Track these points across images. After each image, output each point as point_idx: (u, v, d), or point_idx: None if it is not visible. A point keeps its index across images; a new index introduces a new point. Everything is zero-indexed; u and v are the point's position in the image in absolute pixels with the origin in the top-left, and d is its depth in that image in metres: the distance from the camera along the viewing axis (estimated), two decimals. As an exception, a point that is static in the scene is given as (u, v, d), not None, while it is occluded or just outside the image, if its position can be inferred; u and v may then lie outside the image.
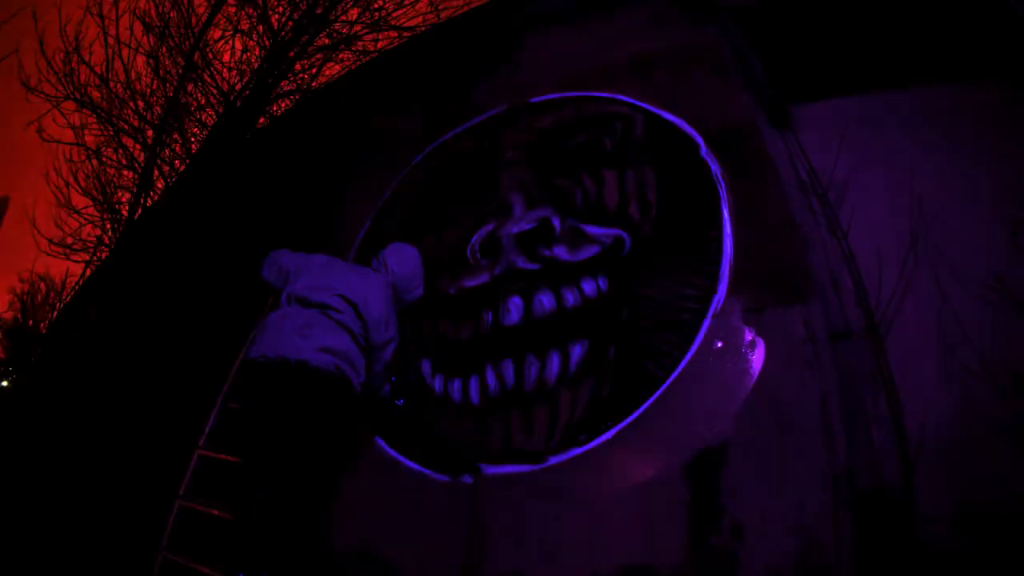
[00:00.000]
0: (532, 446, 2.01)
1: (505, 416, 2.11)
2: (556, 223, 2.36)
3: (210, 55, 5.05)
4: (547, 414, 2.03)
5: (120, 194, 5.28)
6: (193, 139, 5.13)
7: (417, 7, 5.04)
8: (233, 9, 5.04)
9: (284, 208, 3.68)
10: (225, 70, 5.11)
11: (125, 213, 5.07)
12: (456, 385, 2.28)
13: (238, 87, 5.04)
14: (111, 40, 4.86)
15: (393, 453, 2.28)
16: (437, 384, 2.33)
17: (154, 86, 5.06)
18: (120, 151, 5.12)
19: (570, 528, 1.84)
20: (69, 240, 5.26)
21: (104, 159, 5.22)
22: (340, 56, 5.18)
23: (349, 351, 1.84)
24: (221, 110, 4.97)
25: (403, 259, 2.16)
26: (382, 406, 2.21)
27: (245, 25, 5.04)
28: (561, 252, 2.30)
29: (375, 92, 3.66)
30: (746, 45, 2.38)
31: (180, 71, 5.00)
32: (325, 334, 1.82)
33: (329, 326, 1.85)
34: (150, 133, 5.02)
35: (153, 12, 4.97)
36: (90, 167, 5.27)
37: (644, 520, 1.75)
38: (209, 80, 5.01)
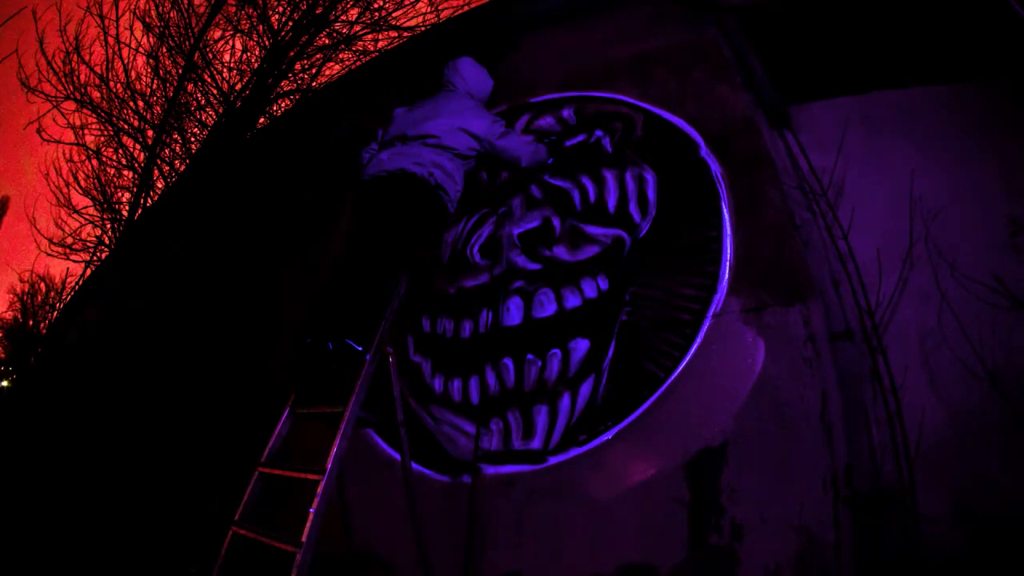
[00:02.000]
0: (532, 446, 2.01)
1: (505, 416, 2.11)
2: (556, 223, 2.36)
3: (210, 55, 5.05)
4: (547, 414, 2.03)
5: (120, 194, 5.28)
6: (193, 139, 5.14)
7: (417, 7, 5.06)
8: (233, 9, 5.04)
9: (284, 208, 3.68)
10: (225, 70, 5.11)
11: (125, 213, 5.07)
12: (456, 385, 2.28)
13: (238, 87, 5.04)
14: (111, 40, 4.86)
15: (393, 453, 2.28)
16: (437, 384, 2.33)
17: (154, 86, 5.07)
18: (120, 151, 5.12)
19: (570, 528, 1.84)
20: (69, 240, 5.26)
21: (104, 159, 5.22)
22: (340, 56, 5.18)
23: (444, 164, 2.03)
24: (221, 110, 4.97)
25: (462, 68, 2.39)
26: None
27: (245, 25, 5.04)
28: (561, 252, 2.30)
29: (375, 92, 3.66)
30: (746, 45, 2.38)
31: (180, 71, 5.00)
32: (421, 154, 2.04)
33: (434, 151, 2.06)
34: (150, 133, 5.01)
35: (153, 12, 4.97)
36: (90, 167, 5.29)
37: (644, 520, 1.75)
38: (209, 80, 5.01)
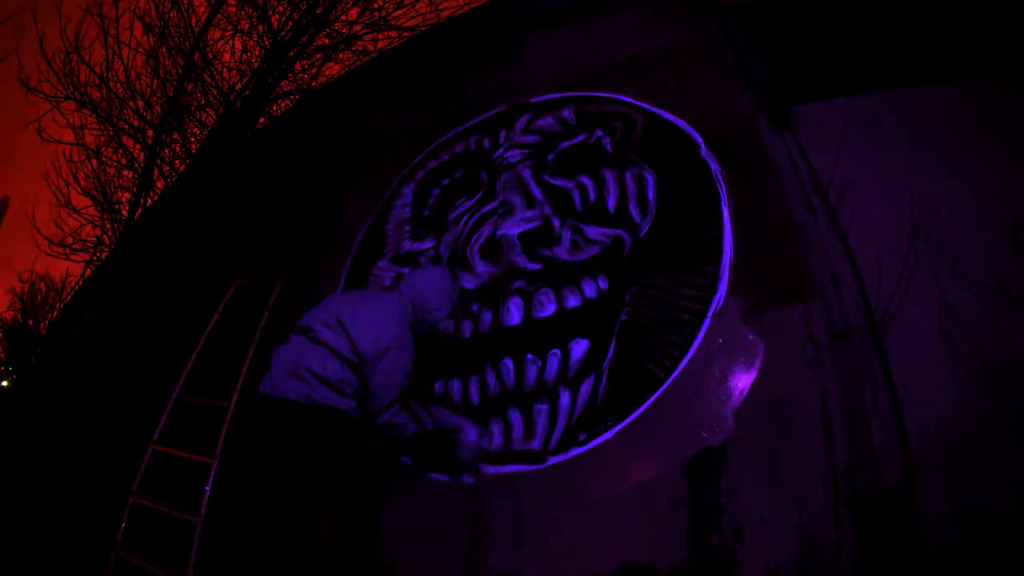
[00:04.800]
0: (532, 446, 2.01)
1: (505, 416, 2.11)
2: (556, 223, 2.36)
3: (210, 55, 5.05)
4: (547, 414, 2.03)
5: (120, 194, 5.28)
6: (193, 139, 5.13)
7: (417, 7, 5.03)
8: (233, 9, 5.04)
9: (284, 208, 3.68)
10: (225, 70, 5.10)
11: (125, 213, 5.07)
12: (456, 385, 2.28)
13: (238, 87, 5.04)
14: (111, 40, 4.86)
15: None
16: (437, 384, 2.33)
17: (154, 86, 5.06)
18: (120, 151, 5.12)
19: (570, 528, 1.84)
20: (69, 240, 5.25)
21: (104, 159, 5.21)
22: (340, 56, 5.17)
23: (330, 374, 1.77)
24: (221, 110, 4.96)
25: (421, 277, 2.04)
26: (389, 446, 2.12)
27: (245, 25, 5.03)
28: (561, 252, 2.30)
29: (375, 92, 3.66)
30: (746, 45, 2.38)
31: (180, 71, 5.00)
32: (306, 360, 1.79)
33: (312, 350, 1.81)
34: (150, 133, 5.01)
35: (153, 12, 4.97)
36: (90, 167, 5.27)
37: (644, 520, 1.75)
38: (209, 80, 5.01)
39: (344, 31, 5.04)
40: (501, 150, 2.72)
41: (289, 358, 1.83)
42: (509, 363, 2.19)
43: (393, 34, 4.99)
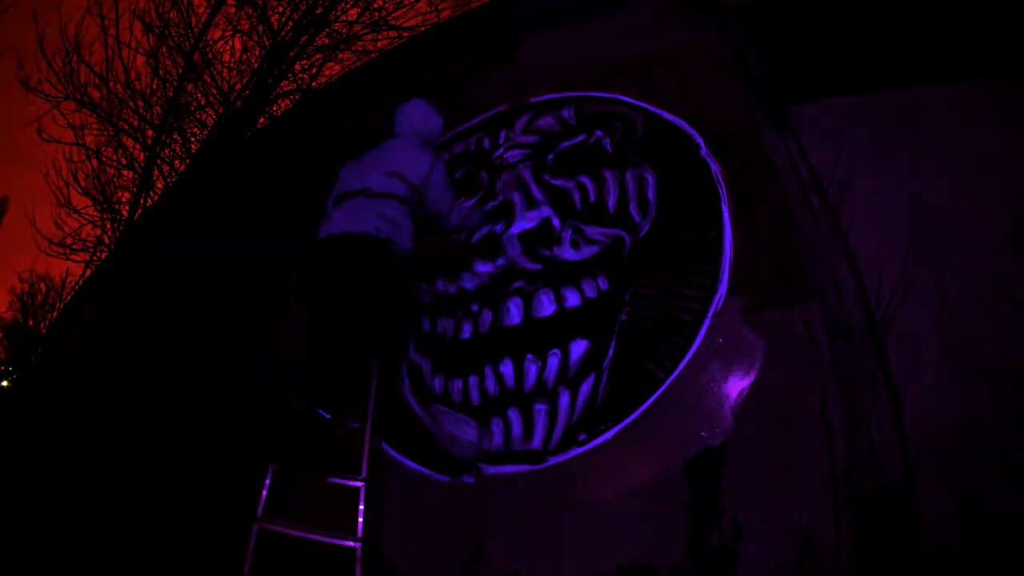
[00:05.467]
0: (532, 446, 2.01)
1: (505, 416, 2.11)
2: (556, 223, 2.36)
3: (210, 55, 5.06)
4: (547, 414, 2.03)
5: (120, 194, 5.29)
6: (193, 139, 5.14)
7: (417, 7, 5.04)
8: (233, 9, 5.04)
9: (284, 208, 3.68)
10: (225, 70, 5.11)
11: (125, 213, 5.08)
12: (456, 385, 2.28)
13: (238, 87, 5.04)
14: (111, 40, 4.87)
15: (394, 453, 2.28)
16: (437, 384, 2.33)
17: (154, 86, 5.07)
18: (120, 151, 5.13)
19: (570, 528, 1.84)
20: (69, 240, 5.26)
21: (104, 159, 5.22)
22: (340, 56, 5.18)
23: (395, 217, 1.97)
24: (221, 110, 4.97)
25: (408, 110, 2.36)
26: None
27: (245, 25, 5.04)
28: (561, 252, 2.30)
29: (375, 92, 3.66)
30: (747, 45, 2.38)
31: (180, 71, 5.00)
32: (369, 207, 1.98)
33: (373, 204, 1.99)
34: (150, 133, 5.02)
35: (153, 12, 4.98)
36: (90, 167, 5.28)
37: (644, 520, 1.75)
38: (209, 80, 5.02)
39: (344, 31, 5.05)
40: (501, 150, 2.72)
41: (348, 214, 1.98)
42: (509, 363, 2.19)
43: (393, 34, 5.00)
